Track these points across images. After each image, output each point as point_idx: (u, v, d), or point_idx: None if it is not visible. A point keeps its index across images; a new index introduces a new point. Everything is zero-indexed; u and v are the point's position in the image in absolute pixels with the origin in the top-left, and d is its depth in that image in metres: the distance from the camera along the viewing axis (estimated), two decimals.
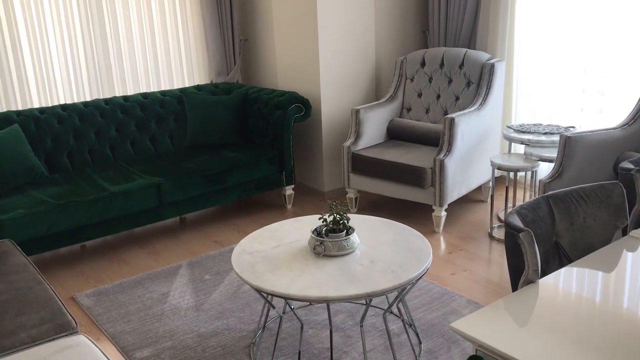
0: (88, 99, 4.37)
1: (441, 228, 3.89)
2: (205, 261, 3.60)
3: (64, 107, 4.07)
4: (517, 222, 1.56)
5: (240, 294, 3.19)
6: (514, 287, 1.61)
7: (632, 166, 2.00)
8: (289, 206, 4.46)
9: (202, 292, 3.22)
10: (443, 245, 3.72)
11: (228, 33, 4.89)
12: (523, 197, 4.14)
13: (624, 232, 1.78)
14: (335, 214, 2.50)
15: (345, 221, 2.51)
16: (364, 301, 2.98)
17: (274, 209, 4.45)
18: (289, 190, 4.40)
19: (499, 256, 3.55)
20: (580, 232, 1.74)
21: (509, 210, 4.15)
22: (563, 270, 1.55)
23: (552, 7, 4.14)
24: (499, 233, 3.86)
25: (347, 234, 2.52)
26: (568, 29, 4.07)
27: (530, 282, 1.48)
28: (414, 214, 4.22)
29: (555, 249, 1.73)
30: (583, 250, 1.75)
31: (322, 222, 2.53)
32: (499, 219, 4.09)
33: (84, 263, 3.68)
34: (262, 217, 4.30)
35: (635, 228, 1.85)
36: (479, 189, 4.53)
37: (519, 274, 1.53)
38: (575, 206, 1.73)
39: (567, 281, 1.49)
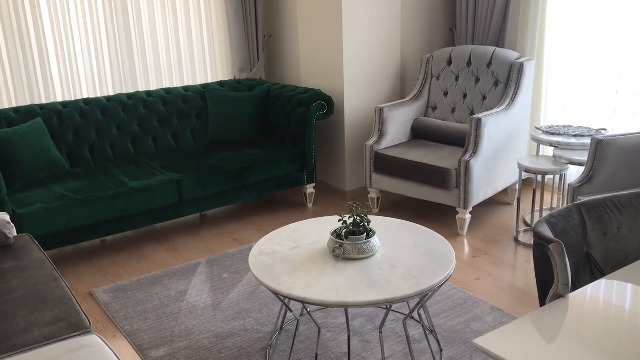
0: (111, 93, 4.36)
1: (465, 231, 3.80)
2: (224, 259, 3.57)
3: (86, 101, 4.06)
4: (546, 232, 1.48)
5: (258, 294, 3.14)
6: (542, 301, 1.52)
7: None
8: (310, 205, 4.40)
9: (220, 291, 3.18)
10: (467, 249, 3.62)
11: (252, 29, 4.84)
12: (551, 200, 4.01)
13: None
14: (355, 216, 2.43)
15: (366, 224, 2.44)
16: (384, 305, 2.91)
17: (295, 208, 4.40)
18: (310, 189, 4.34)
19: (524, 261, 3.45)
20: (613, 243, 1.64)
21: (535, 214, 4.03)
22: (595, 284, 1.46)
23: (584, 4, 4.00)
24: (525, 237, 3.75)
25: (368, 236, 2.45)
26: (601, 27, 3.93)
27: (559, 296, 1.39)
28: (438, 216, 4.13)
29: (586, 261, 1.64)
30: (616, 262, 1.65)
31: (342, 224, 2.47)
32: (526, 223, 3.97)
33: (104, 258, 3.67)
34: (283, 216, 4.25)
35: None
36: (505, 191, 4.41)
37: (548, 287, 1.44)
38: (609, 215, 1.64)
39: (599, 296, 1.40)
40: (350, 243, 2.39)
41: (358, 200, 4.48)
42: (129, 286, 3.28)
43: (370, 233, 2.47)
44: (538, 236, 1.45)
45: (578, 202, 1.63)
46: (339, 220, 2.45)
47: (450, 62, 4.33)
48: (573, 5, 4.06)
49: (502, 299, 3.04)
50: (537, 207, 4.09)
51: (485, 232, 3.84)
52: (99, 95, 4.31)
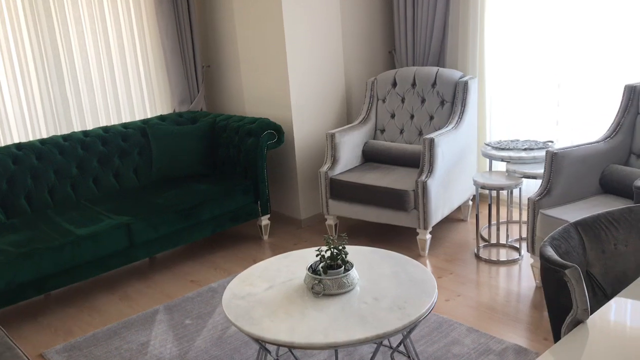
0: (45, 136, 4.09)
1: (426, 252, 3.78)
2: (183, 304, 3.37)
3: (19, 146, 3.78)
4: (555, 256, 1.44)
5: (226, 338, 2.98)
6: (555, 328, 1.48)
7: None
8: (266, 237, 4.26)
9: (185, 339, 2.99)
10: (431, 270, 3.60)
11: (190, 60, 4.70)
12: (507, 214, 4.07)
13: None
14: (332, 249, 2.34)
15: (344, 256, 2.35)
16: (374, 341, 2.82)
17: (250, 241, 4.25)
18: (264, 221, 4.21)
19: (488, 277, 3.46)
20: (612, 260, 1.63)
21: (492, 228, 4.08)
22: (607, 305, 1.43)
23: (521, 22, 4.13)
24: (485, 253, 3.78)
25: (346, 269, 2.36)
26: (539, 41, 4.07)
27: (578, 322, 1.35)
28: (396, 238, 4.10)
29: (588, 280, 1.62)
30: (616, 279, 1.65)
31: (320, 258, 2.37)
32: (483, 238, 4.01)
33: (50, 314, 3.39)
34: (238, 251, 4.09)
35: None
36: (458, 207, 4.45)
37: (563, 313, 1.40)
38: (605, 233, 1.63)
39: (614, 318, 1.38)
40: (329, 278, 2.30)
41: (315, 227, 4.40)
42: (84, 343, 3.03)
43: (347, 265, 2.38)
44: (549, 261, 1.41)
45: (574, 221, 1.62)
46: (317, 255, 2.35)
47: (394, 84, 4.35)
48: (510, 23, 4.19)
49: (475, 318, 3.01)
50: (493, 221, 4.14)
51: (445, 251, 3.84)
52: (31, 138, 4.03)
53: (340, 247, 2.34)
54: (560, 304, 1.42)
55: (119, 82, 4.43)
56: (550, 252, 1.46)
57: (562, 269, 1.36)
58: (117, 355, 2.89)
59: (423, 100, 4.22)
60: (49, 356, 2.92)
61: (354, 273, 2.36)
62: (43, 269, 3.15)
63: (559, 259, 1.40)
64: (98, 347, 2.98)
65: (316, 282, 2.30)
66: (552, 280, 1.43)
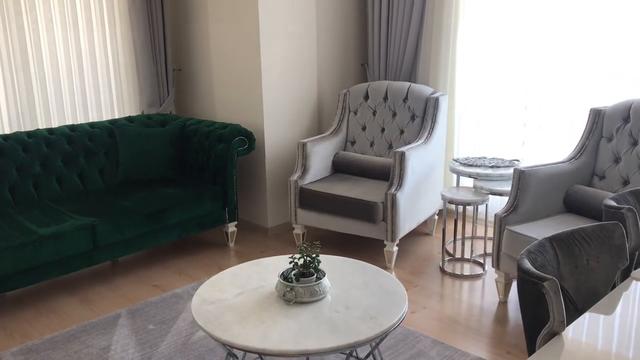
0: (7, 131, 3.97)
1: (393, 264, 3.81)
2: (146, 309, 3.30)
3: None
4: (533, 268, 1.47)
5: (190, 345, 2.93)
6: (531, 340, 1.51)
7: (614, 203, 1.99)
8: (232, 244, 4.22)
9: (148, 345, 2.93)
10: None
11: (161, 63, 4.65)
12: (472, 230, 4.14)
13: (623, 273, 1.75)
14: (305, 257, 2.33)
15: (317, 264, 2.35)
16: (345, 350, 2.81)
17: (215, 248, 4.20)
18: (231, 228, 4.17)
19: (452, 291, 3.50)
20: (584, 275, 1.68)
21: (457, 243, 4.14)
22: (584, 317, 1.47)
23: (492, 44, 4.23)
24: (449, 267, 3.83)
25: (318, 277, 2.35)
26: (509, 63, 4.17)
27: (554, 334, 1.38)
28: (364, 250, 4.12)
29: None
30: (587, 293, 1.69)
31: (293, 265, 2.36)
32: (448, 253, 4.06)
33: (5, 315, 3.27)
34: (204, 257, 4.04)
35: (635, 268, 1.83)
36: (424, 221, 4.50)
37: (539, 326, 1.43)
38: (578, 248, 1.67)
39: (592, 330, 1.41)
40: (301, 285, 2.29)
41: (282, 236, 4.38)
42: (42, 346, 2.93)
43: (319, 273, 2.38)
44: (527, 273, 1.44)
45: (549, 236, 1.66)
46: (290, 262, 2.34)
47: (367, 97, 4.39)
48: (482, 43, 4.29)
49: (440, 331, 3.05)
50: (459, 236, 4.19)
51: (411, 264, 3.87)
52: None
53: (314, 255, 2.33)
54: (536, 316, 1.45)
55: (87, 80, 4.34)
56: (528, 265, 1.49)
57: (540, 282, 1.39)
58: (77, 359, 2.81)
59: (394, 114, 4.27)
60: (4, 359, 2.82)
61: (326, 281, 2.36)
62: (2, 268, 3.04)
63: (537, 271, 1.43)
64: (56, 350, 2.88)
65: (288, 289, 2.29)
66: (529, 292, 1.46)
